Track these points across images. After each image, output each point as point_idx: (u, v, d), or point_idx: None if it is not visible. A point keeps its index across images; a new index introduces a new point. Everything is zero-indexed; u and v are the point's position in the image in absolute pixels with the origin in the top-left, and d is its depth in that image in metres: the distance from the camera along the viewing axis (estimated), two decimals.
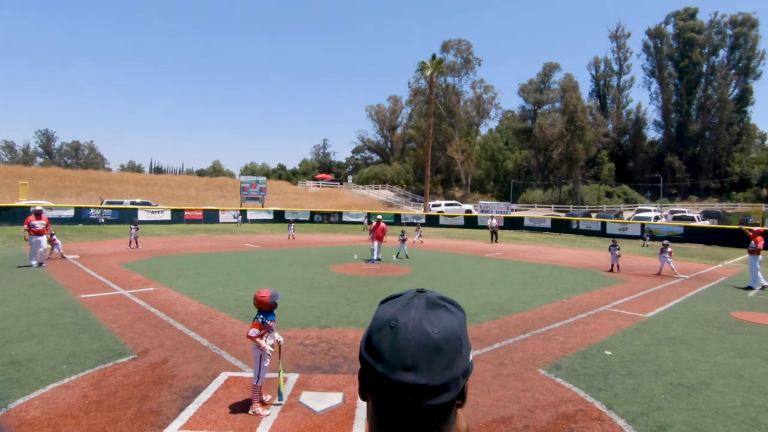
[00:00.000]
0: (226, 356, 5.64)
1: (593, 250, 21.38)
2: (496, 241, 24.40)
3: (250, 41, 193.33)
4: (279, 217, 38.96)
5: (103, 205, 32.04)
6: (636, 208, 45.33)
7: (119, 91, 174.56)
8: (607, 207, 54.50)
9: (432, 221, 39.36)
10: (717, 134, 61.08)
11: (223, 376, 4.98)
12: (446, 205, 50.08)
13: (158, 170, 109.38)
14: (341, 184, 73.58)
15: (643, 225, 29.25)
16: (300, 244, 21.38)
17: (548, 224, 35.15)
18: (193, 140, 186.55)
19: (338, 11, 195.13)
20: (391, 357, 0.64)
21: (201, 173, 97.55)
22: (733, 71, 61.91)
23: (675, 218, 33.42)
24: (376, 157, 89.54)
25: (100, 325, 6.80)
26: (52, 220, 19.83)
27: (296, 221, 37.09)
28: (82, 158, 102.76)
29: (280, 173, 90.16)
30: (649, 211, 39.67)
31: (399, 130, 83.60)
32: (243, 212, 37.54)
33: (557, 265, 15.72)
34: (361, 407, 4.28)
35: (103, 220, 29.70)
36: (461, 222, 38.92)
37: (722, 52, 62.84)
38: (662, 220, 34.03)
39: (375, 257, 15.18)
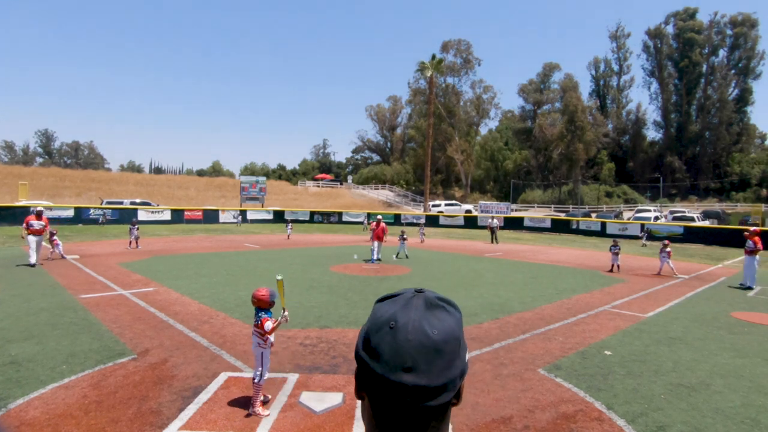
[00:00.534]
0: (226, 356, 5.64)
1: (593, 250, 21.38)
2: (495, 242, 24.40)
3: (250, 41, 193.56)
4: (279, 217, 38.94)
5: (103, 206, 32.03)
6: (636, 208, 45.32)
7: (119, 91, 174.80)
8: (606, 207, 54.50)
9: (432, 221, 39.34)
10: (717, 134, 61.09)
11: (222, 376, 4.97)
12: (446, 205, 50.09)
13: (158, 170, 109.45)
14: (341, 184, 73.57)
15: (642, 225, 29.26)
16: (300, 244, 21.38)
17: (548, 224, 35.16)
18: (193, 140, 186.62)
19: (338, 11, 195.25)
20: (390, 358, 0.64)
21: (201, 173, 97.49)
22: (732, 71, 61.95)
23: (675, 218, 33.40)
24: (376, 157, 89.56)
25: (100, 326, 6.80)
26: (52, 221, 19.85)
27: (296, 221, 37.20)
28: (82, 158, 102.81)
29: (280, 173, 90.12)
30: (649, 211, 39.67)
31: (399, 130, 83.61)
32: (243, 212, 37.52)
33: (557, 265, 15.72)
34: (360, 407, 4.28)
35: (103, 221, 29.69)
36: (461, 222, 38.92)
37: (722, 52, 62.94)
38: (662, 220, 34.02)
39: (375, 257, 15.18)
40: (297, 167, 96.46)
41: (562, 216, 41.29)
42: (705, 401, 4.63)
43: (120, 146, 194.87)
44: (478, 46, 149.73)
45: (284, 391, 4.64)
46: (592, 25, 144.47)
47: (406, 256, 16.48)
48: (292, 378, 4.98)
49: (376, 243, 15.26)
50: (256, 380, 4.13)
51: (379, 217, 16.76)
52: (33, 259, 12.28)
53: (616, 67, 71.62)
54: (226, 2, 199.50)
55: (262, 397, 4.23)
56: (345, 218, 40.86)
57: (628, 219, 35.94)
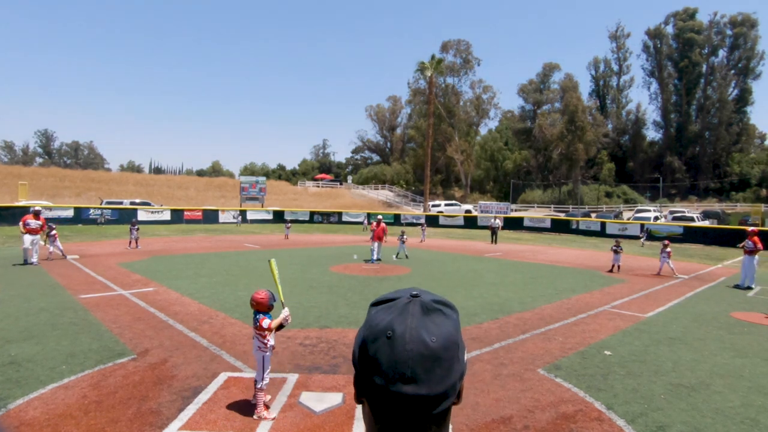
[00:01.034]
0: (225, 356, 5.64)
1: (593, 251, 21.39)
2: (495, 242, 24.41)
3: (250, 41, 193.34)
4: (279, 217, 38.92)
5: (103, 206, 32.02)
6: (636, 209, 45.34)
7: (119, 91, 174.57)
8: (606, 207, 54.51)
9: (432, 221, 39.34)
10: (716, 134, 61.10)
11: (222, 377, 4.97)
12: (446, 205, 50.11)
13: (158, 170, 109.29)
14: (341, 184, 73.54)
15: (642, 225, 29.27)
16: (300, 244, 21.38)
17: (548, 224, 35.18)
18: (193, 140, 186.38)
19: (338, 11, 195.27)
20: (389, 369, 0.63)
21: (201, 173, 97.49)
22: (732, 71, 61.96)
23: (674, 218, 33.39)
24: (375, 158, 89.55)
25: (100, 326, 6.80)
26: (52, 221, 19.83)
27: (296, 221, 37.20)
28: (82, 158, 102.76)
29: (280, 173, 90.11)
30: (649, 211, 39.69)
31: (399, 131, 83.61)
32: (243, 212, 37.52)
33: (557, 265, 15.72)
34: (360, 407, 4.28)
35: (101, 221, 29.67)
36: (461, 222, 38.94)
37: (722, 53, 62.97)
38: (662, 220, 34.03)
39: (375, 257, 15.19)
40: (297, 167, 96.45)
41: (562, 216, 41.29)
42: (705, 401, 4.63)
43: (120, 146, 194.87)
44: (478, 46, 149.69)
45: (284, 391, 4.64)
46: (592, 25, 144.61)
47: (406, 256, 16.49)
48: (292, 378, 4.98)
49: (376, 243, 15.26)
50: (258, 385, 4.11)
51: (380, 217, 16.76)
52: (33, 259, 12.34)
53: (615, 67, 71.72)
54: (227, 3, 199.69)
55: (266, 398, 4.23)
56: (345, 218, 40.87)
57: (628, 219, 35.95)
